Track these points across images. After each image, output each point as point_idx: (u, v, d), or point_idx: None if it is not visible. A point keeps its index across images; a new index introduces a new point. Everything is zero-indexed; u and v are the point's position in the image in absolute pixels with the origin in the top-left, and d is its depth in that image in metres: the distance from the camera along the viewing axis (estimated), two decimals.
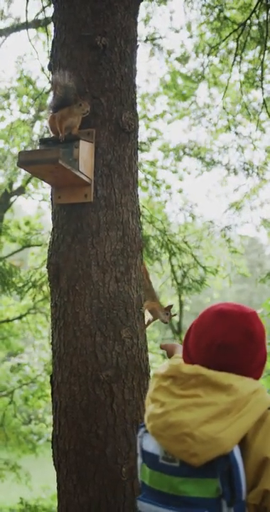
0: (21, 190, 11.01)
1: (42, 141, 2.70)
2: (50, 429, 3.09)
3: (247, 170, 8.14)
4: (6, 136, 8.65)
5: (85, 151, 2.61)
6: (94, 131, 2.69)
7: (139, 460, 1.76)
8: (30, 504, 10.45)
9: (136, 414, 2.55)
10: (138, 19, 2.99)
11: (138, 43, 2.93)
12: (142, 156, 9.78)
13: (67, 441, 2.55)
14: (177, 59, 8.95)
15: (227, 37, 6.19)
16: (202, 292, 7.38)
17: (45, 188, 10.88)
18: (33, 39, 8.10)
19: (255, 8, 5.43)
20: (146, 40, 8.37)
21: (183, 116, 10.06)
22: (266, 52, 5.53)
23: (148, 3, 7.35)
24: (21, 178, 10.64)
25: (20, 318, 11.21)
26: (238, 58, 5.88)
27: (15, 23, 7.82)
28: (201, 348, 1.70)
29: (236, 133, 8.40)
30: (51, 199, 2.84)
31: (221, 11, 6.27)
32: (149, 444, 1.69)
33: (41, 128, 8.81)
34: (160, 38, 8.34)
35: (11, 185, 10.69)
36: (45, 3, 5.77)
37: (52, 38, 2.91)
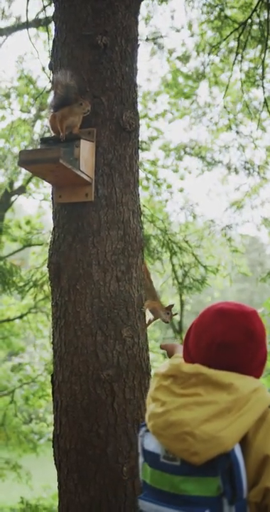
0: (22, 190, 11.01)
1: (43, 140, 2.70)
2: (51, 428, 3.09)
3: (248, 169, 8.14)
4: (6, 135, 8.65)
5: (86, 150, 2.61)
6: (94, 130, 2.69)
7: (140, 459, 1.76)
8: (31, 503, 10.46)
9: (137, 414, 2.55)
10: (139, 18, 2.99)
11: (138, 42, 2.93)
12: (143, 156, 9.78)
13: (68, 441, 2.55)
14: (178, 58, 8.95)
15: (227, 36, 6.19)
16: (203, 291, 7.38)
17: (46, 188, 10.88)
18: (33, 38, 8.11)
19: (256, 7, 5.43)
20: (147, 39, 8.37)
21: (184, 116, 10.07)
22: (267, 51, 5.52)
23: (149, 2, 7.34)
24: (22, 178, 10.64)
25: (21, 317, 11.21)
26: (239, 57, 5.87)
27: (16, 22, 7.82)
28: (201, 348, 1.71)
29: (237, 132, 8.40)
30: (52, 198, 2.84)
31: (222, 10, 6.27)
32: (150, 443, 1.69)
33: (42, 127, 8.81)
34: (161, 37, 8.34)
35: (11, 184, 10.69)
36: (45, 3, 5.77)
37: (53, 37, 2.91)
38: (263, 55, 5.72)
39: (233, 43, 6.62)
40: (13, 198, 11.33)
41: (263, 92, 6.00)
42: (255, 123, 7.59)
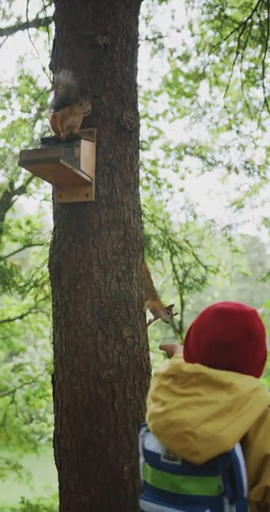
0: (22, 190, 11.02)
1: (44, 140, 2.70)
2: (52, 428, 3.09)
3: (248, 169, 8.14)
4: (7, 135, 8.65)
5: (86, 150, 2.61)
6: (95, 130, 2.69)
7: (141, 459, 1.76)
8: (32, 503, 10.46)
9: (138, 414, 2.55)
10: (140, 18, 2.99)
11: (139, 42, 2.93)
12: (143, 155, 9.79)
13: (68, 441, 2.55)
14: (178, 58, 8.95)
15: (227, 36, 6.19)
16: (203, 291, 7.38)
17: (47, 188, 10.89)
18: (33, 38, 8.11)
19: (256, 7, 5.43)
20: (146, 38, 8.37)
21: (184, 116, 10.07)
22: (268, 51, 5.52)
23: (149, 1, 7.35)
24: (22, 178, 10.64)
25: (21, 317, 11.22)
26: (239, 57, 5.87)
27: (16, 22, 7.83)
28: (201, 347, 1.71)
29: (238, 132, 8.40)
30: (52, 198, 2.84)
31: (222, 10, 6.27)
32: (151, 443, 1.70)
33: (42, 127, 8.81)
34: (162, 37, 8.34)
35: (11, 184, 10.69)
36: (46, 3, 5.77)
37: (54, 37, 2.91)
38: (263, 55, 5.72)
39: (233, 43, 6.62)
40: (13, 198, 11.32)
41: (264, 92, 6.00)
42: (255, 122, 7.59)
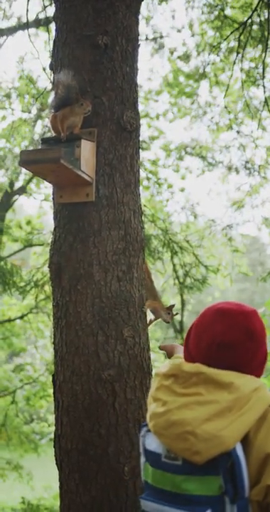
0: (23, 190, 11.01)
1: (44, 140, 2.70)
2: (53, 428, 3.09)
3: (249, 169, 8.14)
4: (7, 135, 8.65)
5: (87, 150, 2.61)
6: (95, 130, 2.69)
7: (142, 459, 1.76)
8: (32, 504, 10.46)
9: (138, 414, 2.55)
10: (140, 18, 2.98)
11: (139, 42, 2.93)
12: (143, 155, 9.79)
13: (69, 441, 2.55)
14: (179, 57, 8.95)
15: (227, 36, 6.19)
16: (204, 291, 7.38)
17: (47, 188, 10.89)
18: (34, 39, 8.12)
19: (256, 7, 5.43)
20: (147, 38, 8.37)
21: (185, 116, 10.07)
22: (268, 50, 5.52)
23: (149, 1, 7.35)
24: (23, 178, 10.64)
25: (21, 317, 11.22)
26: (239, 57, 5.87)
27: (17, 22, 7.83)
28: (202, 347, 1.71)
29: (238, 132, 8.40)
30: (53, 198, 2.84)
31: (222, 10, 6.27)
32: (151, 442, 1.70)
33: (43, 127, 8.81)
34: (162, 37, 8.34)
35: (12, 184, 10.69)
36: (46, 3, 5.77)
37: (54, 37, 2.91)
38: (263, 55, 5.72)
39: (233, 43, 6.62)
40: (13, 199, 11.32)
41: (264, 92, 6.00)
42: (256, 122, 7.59)
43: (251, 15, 5.51)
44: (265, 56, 5.61)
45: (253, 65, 6.95)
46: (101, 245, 2.62)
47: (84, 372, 2.54)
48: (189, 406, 1.58)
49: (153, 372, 2.52)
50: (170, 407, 1.61)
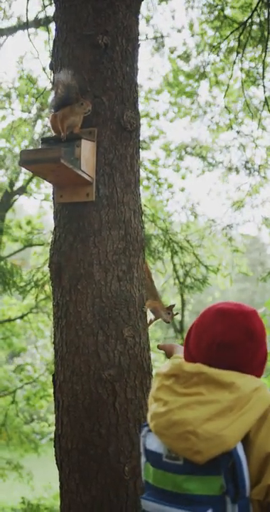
0: (23, 190, 11.02)
1: (44, 140, 2.70)
2: (53, 428, 3.09)
3: (249, 169, 8.14)
4: (7, 135, 8.65)
5: (87, 150, 2.61)
6: (95, 130, 2.68)
7: (143, 459, 1.76)
8: (33, 503, 10.47)
9: (139, 413, 2.55)
10: (140, 17, 2.98)
11: (139, 42, 2.93)
12: (143, 155, 9.79)
13: (69, 440, 2.55)
14: (179, 57, 8.95)
15: (227, 36, 6.19)
16: (204, 291, 7.39)
17: (47, 188, 10.89)
18: (34, 38, 8.12)
19: (256, 6, 5.43)
20: (146, 38, 8.37)
21: (185, 115, 10.07)
22: (268, 50, 5.52)
23: (149, 1, 7.35)
24: (23, 178, 10.64)
25: (22, 317, 11.22)
26: (239, 57, 5.87)
27: (17, 22, 7.83)
28: (202, 348, 1.71)
29: (238, 131, 8.40)
30: (53, 198, 2.84)
31: (222, 10, 6.27)
32: (152, 442, 1.70)
33: (43, 127, 8.82)
34: (162, 36, 8.34)
35: (12, 184, 10.69)
36: (46, 2, 5.77)
37: (54, 37, 2.91)
38: (263, 55, 5.72)
39: (233, 43, 6.61)
40: (13, 198, 11.32)
41: (264, 91, 6.00)
42: (256, 122, 7.59)
43: (251, 15, 5.51)
44: (265, 56, 5.61)
45: (253, 64, 6.95)
46: (101, 245, 2.62)
47: (84, 372, 2.54)
48: (190, 406, 1.58)
49: (154, 372, 2.51)
50: (171, 406, 1.62)
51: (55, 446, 2.65)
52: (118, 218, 2.66)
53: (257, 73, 6.74)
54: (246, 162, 8.30)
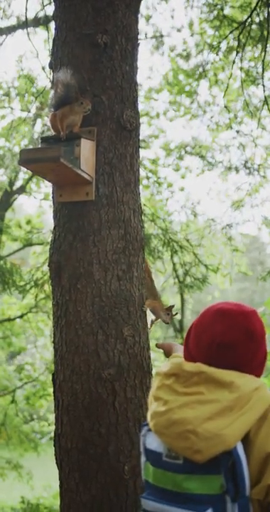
0: (22, 189, 11.01)
1: (44, 139, 2.70)
2: (53, 427, 3.09)
3: (248, 168, 8.14)
4: (6, 134, 8.65)
5: (86, 149, 2.61)
6: (95, 129, 2.68)
7: (143, 458, 1.76)
8: (32, 503, 10.47)
9: (139, 413, 2.55)
10: (140, 16, 2.98)
11: (139, 41, 2.93)
12: (143, 154, 9.79)
13: (69, 440, 2.55)
14: (179, 55, 8.94)
15: (226, 36, 6.19)
16: (204, 290, 7.39)
17: (47, 187, 10.88)
18: (33, 37, 8.11)
19: (256, 6, 5.42)
20: (146, 37, 8.37)
21: (185, 115, 10.07)
22: (267, 49, 5.52)
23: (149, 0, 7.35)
24: (22, 177, 10.64)
25: (21, 316, 11.22)
26: (239, 56, 5.87)
27: (16, 21, 7.82)
28: (202, 348, 1.71)
29: (238, 131, 8.40)
30: (52, 197, 2.84)
31: (221, 9, 6.27)
32: (152, 442, 1.70)
33: (43, 126, 8.82)
34: (162, 36, 8.34)
35: (11, 184, 10.69)
36: (45, 1, 5.76)
37: (53, 36, 2.91)
38: (263, 54, 5.72)
39: (233, 42, 6.61)
40: (13, 198, 11.32)
41: (264, 91, 5.99)
42: (255, 122, 7.59)
43: (251, 14, 5.51)
44: (264, 55, 5.61)
45: (252, 64, 6.95)
46: (101, 244, 2.61)
47: (84, 372, 2.54)
48: (190, 405, 1.58)
49: (153, 372, 2.52)
50: (171, 406, 1.62)
51: (54, 446, 2.65)
52: (117, 217, 2.66)
53: (257, 72, 6.73)
54: (246, 161, 8.30)
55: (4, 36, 8.06)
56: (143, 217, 2.90)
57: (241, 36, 5.70)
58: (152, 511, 1.63)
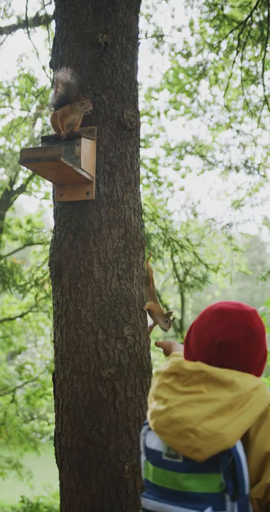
0: (22, 189, 11.01)
1: (44, 138, 2.70)
2: (53, 427, 3.09)
3: (248, 167, 8.14)
4: (6, 133, 8.65)
5: (87, 148, 2.61)
6: (95, 128, 2.69)
7: (143, 457, 1.76)
8: (32, 502, 10.47)
9: (139, 412, 2.55)
10: (140, 15, 2.98)
11: (139, 40, 2.93)
12: (143, 154, 9.79)
13: (69, 439, 2.55)
14: (179, 53, 8.94)
15: (226, 35, 6.19)
16: (204, 290, 7.39)
17: (47, 186, 10.88)
18: (34, 37, 8.11)
19: (256, 5, 5.42)
20: (146, 36, 8.37)
21: (185, 114, 10.07)
22: (268, 49, 5.52)
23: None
24: (23, 176, 10.64)
25: (21, 316, 11.22)
26: (239, 55, 5.87)
27: (17, 20, 7.82)
28: (202, 347, 1.71)
29: (238, 130, 8.39)
30: (53, 197, 2.84)
31: (222, 9, 6.27)
32: (152, 440, 1.70)
33: (43, 125, 8.82)
34: (162, 36, 8.33)
35: (12, 183, 10.70)
36: (46, 1, 5.77)
37: (54, 35, 2.91)
38: (263, 53, 5.72)
39: (233, 41, 6.61)
40: (13, 197, 11.32)
41: (264, 90, 5.99)
42: (255, 121, 7.59)
43: (251, 14, 5.51)
44: (264, 55, 5.61)
45: (252, 63, 6.95)
46: (101, 244, 2.62)
47: (84, 371, 2.54)
48: (190, 404, 1.58)
49: (153, 371, 2.52)
50: (171, 404, 1.62)
51: (55, 445, 2.65)
52: (118, 217, 2.66)
53: (257, 72, 6.73)
54: (246, 161, 8.30)
55: (5, 35, 8.06)
56: (143, 216, 2.90)
57: (241, 36, 5.70)
58: (152, 510, 1.63)
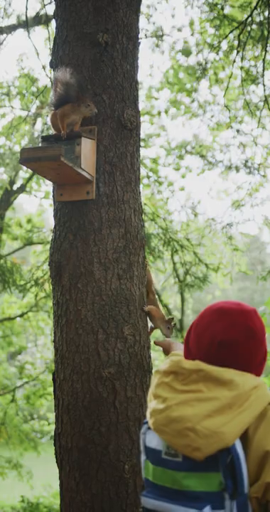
0: (23, 188, 11.01)
1: (44, 138, 2.70)
2: (53, 426, 3.10)
3: (249, 167, 8.14)
4: (6, 133, 8.65)
5: (87, 148, 2.61)
6: (96, 128, 2.69)
7: (142, 457, 1.76)
8: (32, 502, 10.46)
9: (139, 412, 2.55)
10: (140, 15, 2.98)
11: (139, 40, 2.93)
12: (144, 153, 9.79)
13: (69, 439, 2.55)
14: (180, 51, 8.94)
15: (226, 35, 6.19)
16: (204, 290, 7.39)
17: (47, 186, 10.89)
18: (34, 36, 8.11)
19: (256, 5, 5.42)
20: (146, 36, 8.37)
21: (185, 114, 10.07)
22: (268, 49, 5.51)
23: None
24: (23, 176, 10.64)
25: (22, 315, 11.22)
26: (239, 55, 5.86)
27: (17, 20, 7.82)
28: (202, 347, 1.71)
29: (238, 130, 8.39)
30: (53, 196, 2.84)
31: (222, 8, 6.27)
32: (152, 439, 1.70)
33: (43, 124, 8.81)
34: (162, 35, 8.34)
35: (12, 182, 10.70)
36: (46, 0, 5.76)
37: (54, 35, 2.91)
38: (263, 53, 5.71)
39: (233, 41, 6.61)
40: (13, 197, 11.31)
41: (264, 90, 5.99)
42: (255, 121, 7.59)
43: (251, 14, 5.51)
44: (265, 55, 5.61)
45: (253, 63, 6.95)
46: (101, 243, 2.62)
47: (84, 371, 2.54)
48: (189, 403, 1.59)
49: (154, 371, 2.52)
50: (170, 403, 1.62)
51: (55, 445, 2.65)
52: (118, 216, 2.66)
53: (257, 72, 6.73)
54: (246, 161, 8.30)
55: (5, 35, 8.06)
56: (143, 216, 2.90)
57: (241, 36, 5.70)
58: (152, 509, 1.63)
